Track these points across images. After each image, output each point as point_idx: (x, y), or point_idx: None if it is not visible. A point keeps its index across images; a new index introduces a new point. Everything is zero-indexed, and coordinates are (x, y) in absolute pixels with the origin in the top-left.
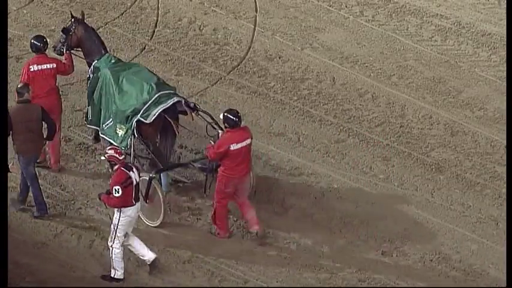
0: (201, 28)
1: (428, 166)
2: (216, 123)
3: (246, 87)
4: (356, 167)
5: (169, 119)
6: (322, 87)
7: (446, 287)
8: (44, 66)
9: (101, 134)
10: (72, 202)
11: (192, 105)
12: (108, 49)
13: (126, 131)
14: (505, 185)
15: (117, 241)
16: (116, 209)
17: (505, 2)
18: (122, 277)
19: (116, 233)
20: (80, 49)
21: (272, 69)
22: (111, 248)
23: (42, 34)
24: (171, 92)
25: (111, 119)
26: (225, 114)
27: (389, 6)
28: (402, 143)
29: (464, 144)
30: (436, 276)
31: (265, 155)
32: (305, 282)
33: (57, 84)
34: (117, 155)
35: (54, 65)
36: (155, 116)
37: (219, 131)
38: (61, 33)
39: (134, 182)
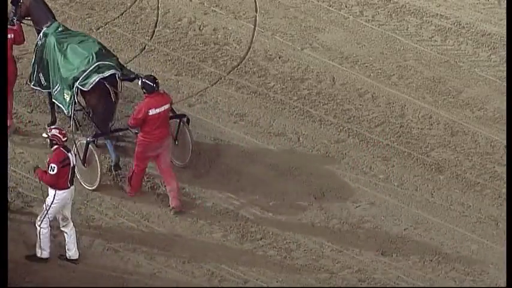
0: (201, 28)
1: (428, 166)
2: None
3: (246, 87)
4: (356, 167)
5: (108, 86)
6: (322, 87)
7: (446, 287)
8: (8, 36)
9: (53, 98)
10: (72, 203)
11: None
12: (56, 17)
13: (71, 97)
14: (505, 185)
15: (46, 221)
16: (50, 190)
17: (505, 2)
18: (47, 256)
19: (46, 214)
20: (29, 18)
21: (272, 69)
22: (38, 228)
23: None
24: (110, 63)
25: (58, 85)
26: (143, 79)
27: (389, 6)
28: (402, 143)
29: (464, 144)
30: (436, 276)
31: (265, 154)
32: (305, 282)
33: (13, 54)
34: (60, 136)
35: (12, 36)
36: (92, 84)
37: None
38: (10, 4)
39: (71, 164)
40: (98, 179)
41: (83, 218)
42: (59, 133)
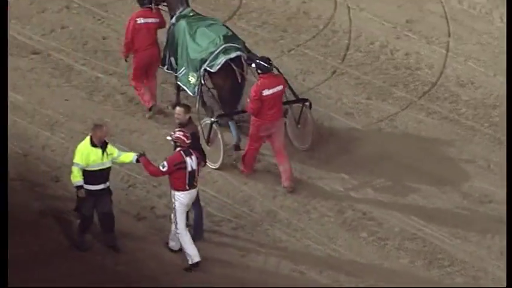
0: (393, 52)
1: None
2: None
3: (437, 113)
4: None
5: (234, 67)
6: None
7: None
8: (149, 20)
9: (177, 81)
10: (260, 223)
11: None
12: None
13: (197, 78)
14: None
15: (181, 224)
16: (172, 192)
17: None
18: (199, 259)
19: (175, 214)
20: (165, 4)
21: (464, 95)
22: (179, 236)
23: None
24: (237, 46)
25: (184, 67)
26: (257, 60)
27: None
28: None
29: None
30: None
31: (457, 181)
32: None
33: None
34: (184, 138)
35: (157, 20)
36: (219, 65)
37: None
38: None
39: (189, 168)
40: (221, 158)
41: (270, 239)
42: (183, 135)
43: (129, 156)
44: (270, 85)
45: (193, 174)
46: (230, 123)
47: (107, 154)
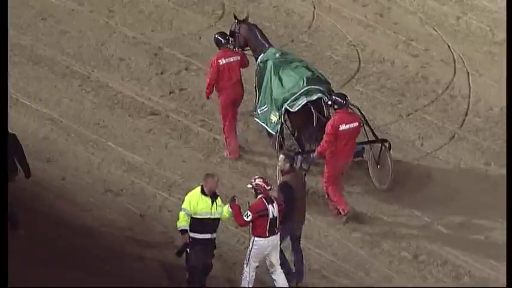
0: None
1: None
2: (364, 118)
3: None
4: None
5: (312, 110)
6: None
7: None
8: (231, 59)
9: (255, 117)
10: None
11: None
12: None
13: (278, 117)
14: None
15: (249, 266)
16: (252, 237)
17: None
18: None
19: (248, 258)
20: (248, 48)
21: None
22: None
23: (224, 31)
24: (320, 88)
25: (266, 105)
26: (333, 97)
27: None
28: None
29: None
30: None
31: None
32: None
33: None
34: (264, 185)
35: (239, 58)
36: (299, 106)
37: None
38: (229, 36)
39: (270, 215)
40: None
41: None
42: (263, 182)
43: (226, 209)
44: (346, 120)
45: (274, 221)
46: (299, 157)
47: (216, 205)
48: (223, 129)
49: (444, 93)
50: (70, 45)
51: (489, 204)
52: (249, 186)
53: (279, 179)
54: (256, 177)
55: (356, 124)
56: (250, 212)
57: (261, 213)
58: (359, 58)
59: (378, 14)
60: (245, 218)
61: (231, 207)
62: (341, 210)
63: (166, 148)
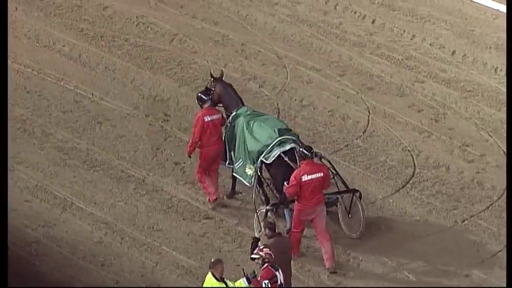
0: None
1: None
2: (334, 169)
3: None
4: None
5: (287, 161)
6: None
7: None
8: (214, 117)
9: (233, 172)
10: None
11: (305, 152)
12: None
13: (254, 170)
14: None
15: None
16: None
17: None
18: None
19: None
20: (221, 105)
21: None
22: None
23: (204, 90)
24: (291, 138)
25: (241, 160)
26: (300, 149)
27: None
28: None
29: None
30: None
31: None
32: None
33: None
34: (272, 254)
35: (220, 116)
36: (274, 157)
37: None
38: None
39: (279, 282)
40: None
41: None
42: (270, 251)
43: (241, 283)
44: (310, 171)
45: (281, 287)
46: (285, 211)
47: (228, 286)
48: (198, 178)
49: (499, 199)
50: (125, 149)
51: None
52: (256, 256)
53: (256, 231)
54: (262, 246)
55: (321, 174)
56: (267, 280)
57: (272, 281)
58: (414, 163)
59: (433, 120)
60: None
61: (248, 281)
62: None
63: (220, 252)
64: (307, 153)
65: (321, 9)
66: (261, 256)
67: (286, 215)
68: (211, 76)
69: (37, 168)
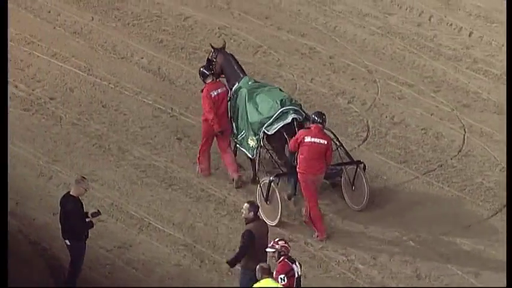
0: None
1: None
2: (338, 140)
3: None
4: None
5: (284, 136)
6: None
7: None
8: (219, 90)
9: (237, 144)
10: None
11: (315, 118)
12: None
13: (256, 141)
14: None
15: None
16: None
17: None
18: None
19: None
20: (223, 76)
21: None
22: None
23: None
24: (293, 108)
25: (243, 131)
26: (311, 115)
27: None
28: None
29: None
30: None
31: None
32: None
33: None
34: (287, 245)
35: (225, 89)
36: (276, 129)
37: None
38: (206, 63)
39: (296, 275)
40: (279, 216)
41: None
42: (285, 243)
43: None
44: (314, 135)
45: (299, 280)
46: (290, 176)
47: None
48: (200, 148)
49: None
50: None
51: None
52: (271, 250)
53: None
54: (277, 239)
55: (324, 142)
56: (283, 275)
57: (289, 274)
58: None
59: None
60: (281, 282)
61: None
62: (317, 235)
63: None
64: (317, 118)
65: (414, 21)
66: (277, 249)
67: (290, 181)
68: (212, 47)
69: (113, 186)
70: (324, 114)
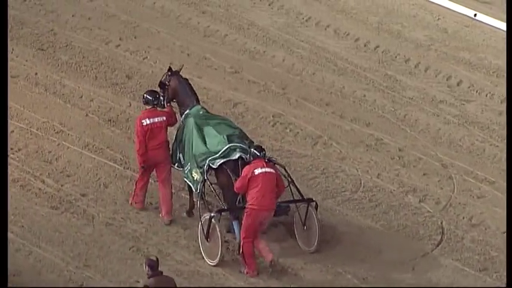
0: None
1: None
2: (289, 177)
3: None
4: None
5: (228, 172)
6: None
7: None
8: (156, 119)
9: (183, 176)
10: None
11: (256, 152)
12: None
13: (200, 175)
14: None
15: None
16: None
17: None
18: None
19: None
20: (175, 100)
21: None
22: None
23: (155, 90)
24: (240, 146)
25: (189, 164)
26: (251, 149)
27: None
28: None
29: None
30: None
31: None
32: None
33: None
34: None
35: (164, 118)
36: (219, 163)
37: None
38: (158, 87)
39: None
40: (219, 255)
41: None
42: None
43: None
44: (262, 166)
45: None
46: (234, 222)
47: None
48: (136, 184)
49: None
50: None
51: None
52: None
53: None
54: None
55: (272, 170)
56: None
57: None
58: None
59: None
60: None
61: None
62: (246, 271)
63: None
64: (258, 153)
65: (494, 109)
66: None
67: (234, 227)
68: (169, 69)
69: None
70: (263, 148)
